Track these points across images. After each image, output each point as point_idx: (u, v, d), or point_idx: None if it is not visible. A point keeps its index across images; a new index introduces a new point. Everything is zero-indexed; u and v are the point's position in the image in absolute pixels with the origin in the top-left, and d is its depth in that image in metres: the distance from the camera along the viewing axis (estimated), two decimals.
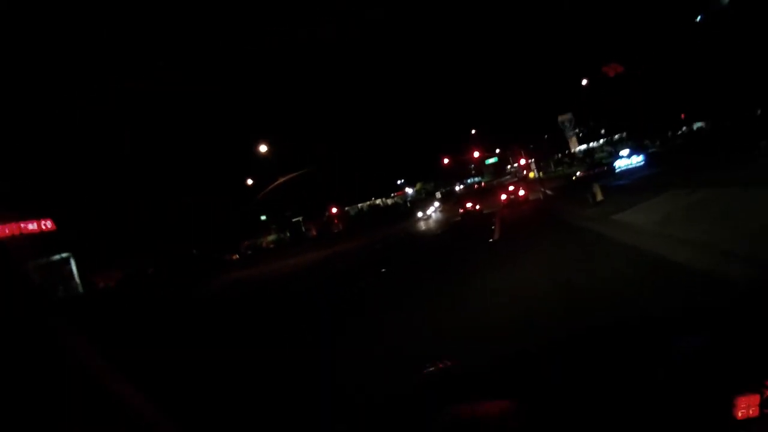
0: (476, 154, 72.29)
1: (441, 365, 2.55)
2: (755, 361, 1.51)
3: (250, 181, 70.92)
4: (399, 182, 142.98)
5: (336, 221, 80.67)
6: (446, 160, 73.76)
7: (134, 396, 1.42)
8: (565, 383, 1.81)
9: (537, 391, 1.82)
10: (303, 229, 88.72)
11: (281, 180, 49.62)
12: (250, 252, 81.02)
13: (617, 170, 38.06)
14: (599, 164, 51.25)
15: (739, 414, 1.35)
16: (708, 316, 2.15)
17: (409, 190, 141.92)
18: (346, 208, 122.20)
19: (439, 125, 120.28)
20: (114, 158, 47.85)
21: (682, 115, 57.70)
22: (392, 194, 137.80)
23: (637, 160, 38.42)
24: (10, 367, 1.27)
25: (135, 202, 55.64)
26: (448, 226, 43.19)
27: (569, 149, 79.52)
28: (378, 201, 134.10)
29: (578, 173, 53.83)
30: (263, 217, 75.54)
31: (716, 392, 1.42)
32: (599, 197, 21.08)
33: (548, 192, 44.53)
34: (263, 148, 48.96)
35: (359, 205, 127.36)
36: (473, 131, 74.33)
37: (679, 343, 1.85)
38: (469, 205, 45.66)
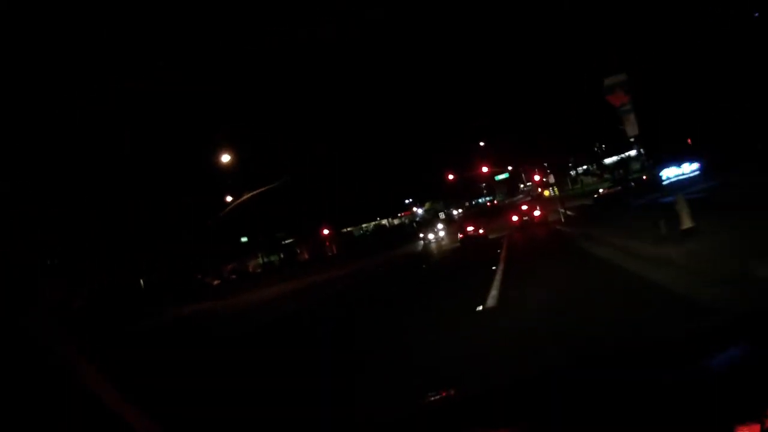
0: (485, 170, 62.65)
1: (444, 393, 2.51)
2: (755, 389, 1.46)
3: (229, 198, 61.68)
4: (407, 201, 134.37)
5: (327, 244, 71.09)
6: (451, 176, 64.19)
7: (119, 402, 1.33)
8: (565, 414, 1.72)
9: (542, 421, 1.73)
10: (297, 251, 79.34)
11: (247, 196, 40.37)
12: (234, 276, 72.79)
13: (665, 182, 28.01)
14: (632, 178, 41.71)
15: None
16: (704, 343, 2.04)
17: (419, 210, 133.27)
18: (349, 229, 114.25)
19: (447, 139, 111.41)
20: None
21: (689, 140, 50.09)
22: (399, 214, 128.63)
23: (691, 168, 28.31)
24: None
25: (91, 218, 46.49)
26: (439, 257, 33.71)
27: (596, 163, 69.20)
28: (384, 221, 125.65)
29: (601, 190, 45.27)
30: (244, 239, 66.07)
31: (716, 421, 1.38)
32: (687, 223, 10.92)
33: (568, 213, 34.94)
34: (226, 158, 39.52)
35: (363, 225, 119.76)
36: (481, 143, 64.67)
37: (678, 371, 1.78)
38: (470, 229, 36.23)
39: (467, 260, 26.66)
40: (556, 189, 77.30)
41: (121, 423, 1.33)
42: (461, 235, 36.20)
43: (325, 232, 67.07)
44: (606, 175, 56.61)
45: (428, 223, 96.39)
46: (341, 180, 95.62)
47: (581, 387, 1.89)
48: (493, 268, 18.54)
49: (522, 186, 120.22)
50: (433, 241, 58.62)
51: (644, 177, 40.35)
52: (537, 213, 37.59)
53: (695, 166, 28.94)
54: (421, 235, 63.03)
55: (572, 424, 1.63)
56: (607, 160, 72.07)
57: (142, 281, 49.32)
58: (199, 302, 35.48)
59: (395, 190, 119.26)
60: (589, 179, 74.46)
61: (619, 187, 42.01)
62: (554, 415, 1.72)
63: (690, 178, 27.69)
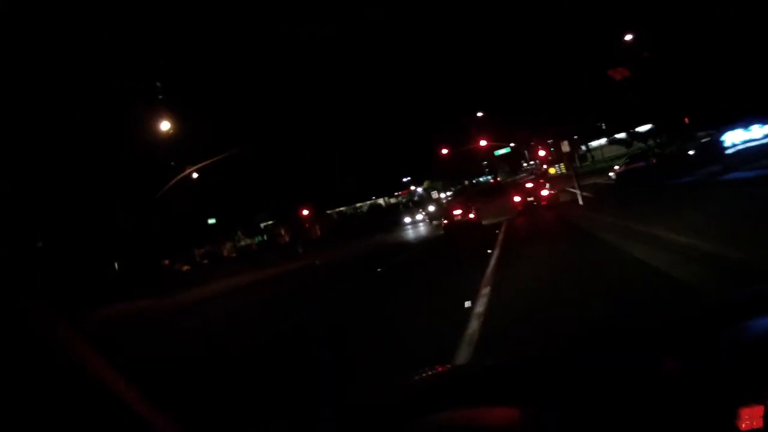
0: (483, 143, 54.18)
1: (440, 368, 2.40)
2: (759, 370, 1.44)
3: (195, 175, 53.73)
4: (405, 180, 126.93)
5: (307, 225, 63.20)
6: (445, 151, 55.63)
7: (128, 391, 1.24)
8: (560, 396, 1.66)
9: (544, 398, 1.66)
10: (277, 234, 71.50)
11: (190, 170, 32.46)
12: (206, 261, 65.31)
13: (730, 150, 19.55)
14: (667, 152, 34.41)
15: (743, 425, 1.27)
16: (707, 323, 1.97)
17: (418, 189, 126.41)
18: (342, 209, 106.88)
19: (443, 111, 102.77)
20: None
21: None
22: (396, 193, 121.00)
23: (764, 132, 19.87)
24: None
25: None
26: (414, 250, 25.82)
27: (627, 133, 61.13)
28: (380, 200, 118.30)
29: (617, 167, 38.24)
30: (211, 221, 58.09)
31: (719, 403, 1.34)
32: None
33: (584, 194, 26.97)
34: (165, 126, 31.83)
35: (358, 204, 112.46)
36: (479, 114, 55.96)
37: (681, 352, 1.73)
38: (457, 212, 27.87)
39: (446, 257, 18.77)
40: (563, 166, 68.78)
41: (131, 415, 1.19)
42: (445, 222, 28.09)
43: (305, 212, 58.69)
44: (639, 144, 47.99)
45: (427, 202, 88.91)
46: (329, 157, 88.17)
47: (577, 369, 1.80)
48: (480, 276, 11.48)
49: (525, 164, 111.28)
50: (422, 222, 50.31)
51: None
52: (545, 193, 29.39)
53: None
54: (406, 219, 54.90)
55: (568, 406, 1.55)
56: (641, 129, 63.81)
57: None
58: (155, 295, 29.48)
59: (392, 168, 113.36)
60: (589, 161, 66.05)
61: (642, 163, 35.05)
62: (549, 398, 1.63)
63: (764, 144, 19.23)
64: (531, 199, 29.18)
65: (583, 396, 1.61)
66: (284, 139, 71.09)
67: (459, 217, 26.99)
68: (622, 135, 67.39)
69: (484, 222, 30.52)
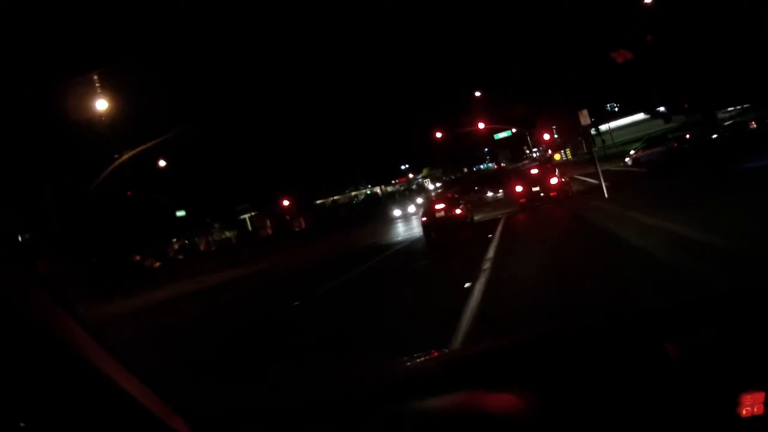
0: (482, 126, 47.68)
1: (435, 353, 2.36)
2: (760, 356, 1.45)
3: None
4: (403, 167, 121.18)
5: (288, 218, 57.09)
6: (439, 134, 49.22)
7: (128, 380, 1.19)
8: (559, 380, 1.64)
9: (547, 383, 1.63)
10: (259, 225, 65.31)
11: (128, 155, 26.40)
12: (181, 257, 59.42)
13: None
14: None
15: (744, 412, 1.29)
16: (709, 307, 1.97)
17: (419, 178, 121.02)
18: (336, 197, 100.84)
19: (442, 94, 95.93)
20: None
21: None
22: (393, 181, 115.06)
23: None
24: None
25: None
26: (387, 253, 19.90)
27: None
28: (377, 189, 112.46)
29: (633, 152, 34.93)
30: (180, 213, 51.72)
31: (720, 389, 1.36)
32: None
33: (605, 183, 20.59)
34: (103, 105, 26.17)
35: (353, 193, 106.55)
36: (477, 93, 49.13)
37: (680, 338, 1.69)
38: (439, 207, 21.06)
39: (404, 281, 12.19)
40: (569, 152, 61.92)
41: (131, 404, 1.15)
42: (424, 219, 21.40)
43: (285, 203, 52.39)
44: (670, 124, 42.30)
45: (421, 192, 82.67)
46: (322, 144, 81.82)
47: (577, 353, 1.76)
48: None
49: (527, 151, 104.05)
50: (414, 215, 43.83)
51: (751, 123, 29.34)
52: (554, 181, 22.78)
53: None
54: (395, 212, 48.15)
55: (567, 391, 1.54)
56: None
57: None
58: (112, 295, 24.28)
59: (390, 156, 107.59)
60: (614, 136, 59.46)
61: (661, 147, 31.41)
62: (548, 382, 1.61)
63: None
64: (537, 189, 22.61)
65: (582, 380, 1.57)
66: (269, 124, 64.82)
67: (441, 213, 20.47)
68: (638, 117, 60.91)
69: (478, 218, 24.05)
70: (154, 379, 1.23)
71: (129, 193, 48.15)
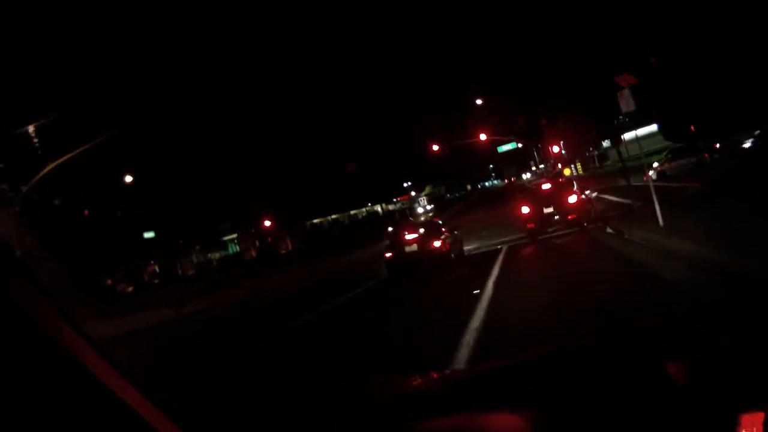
0: (483, 137, 41.73)
1: (434, 375, 2.33)
2: (760, 376, 1.42)
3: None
4: (405, 185, 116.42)
5: (269, 239, 51.35)
6: (435, 147, 43.20)
7: (126, 388, 1.17)
8: (563, 400, 1.62)
9: (548, 403, 1.61)
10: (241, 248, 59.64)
11: (51, 165, 20.79)
12: (157, 281, 53.83)
13: None
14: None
15: None
16: (709, 326, 1.96)
17: (422, 196, 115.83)
18: (334, 216, 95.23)
19: (441, 105, 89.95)
20: None
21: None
22: (395, 199, 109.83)
23: None
24: None
25: None
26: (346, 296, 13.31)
27: None
28: (377, 207, 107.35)
29: (656, 164, 29.96)
30: (149, 234, 45.88)
31: (720, 409, 1.32)
32: None
33: (637, 203, 14.58)
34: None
35: (352, 212, 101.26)
36: (478, 102, 43.10)
37: (680, 357, 1.70)
38: (411, 238, 14.79)
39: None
40: (579, 166, 56.09)
41: (128, 412, 1.13)
42: (389, 254, 14.92)
43: (267, 223, 46.53)
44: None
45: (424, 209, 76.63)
46: (314, 158, 76.14)
47: (576, 374, 1.74)
48: None
49: (534, 167, 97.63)
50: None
51: None
52: (572, 200, 16.54)
53: None
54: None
55: (568, 411, 1.53)
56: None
57: None
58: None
59: (391, 173, 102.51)
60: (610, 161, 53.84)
61: (690, 158, 28.60)
62: (547, 403, 1.59)
63: None
64: (549, 210, 16.37)
65: (583, 400, 1.56)
66: (256, 138, 59.16)
67: (413, 247, 14.10)
68: (650, 129, 55.09)
69: (470, 248, 17.90)
70: (157, 395, 1.18)
71: (86, 212, 42.65)
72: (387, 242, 15.39)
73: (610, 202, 23.17)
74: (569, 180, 21.75)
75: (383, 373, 3.70)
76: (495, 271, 11.95)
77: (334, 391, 2.63)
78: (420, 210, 64.10)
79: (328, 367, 6.62)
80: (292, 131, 68.52)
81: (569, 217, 16.48)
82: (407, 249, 14.34)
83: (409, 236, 14.78)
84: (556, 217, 16.57)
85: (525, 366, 1.97)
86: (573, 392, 1.60)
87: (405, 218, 58.08)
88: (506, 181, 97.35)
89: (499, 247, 17.00)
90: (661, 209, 11.65)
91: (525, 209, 16.99)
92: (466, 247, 18.00)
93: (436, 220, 19.47)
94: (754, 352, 1.53)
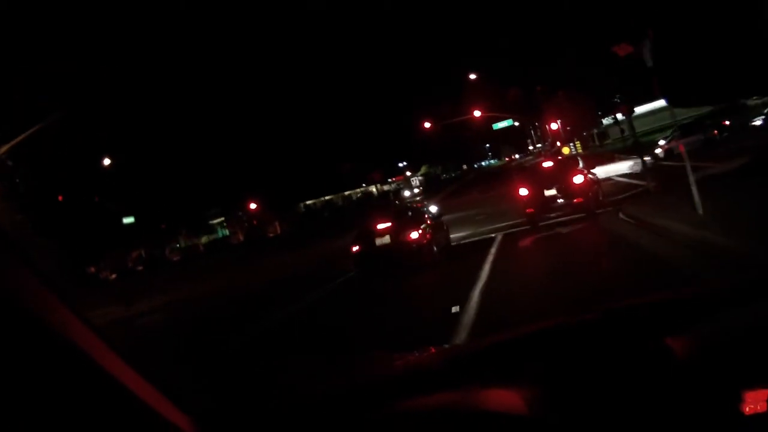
0: (477, 114, 38.97)
1: (432, 349, 2.21)
2: (764, 353, 1.39)
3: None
4: (400, 165, 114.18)
5: (255, 222, 49.16)
6: (427, 124, 40.44)
7: (133, 378, 1.15)
8: (559, 377, 1.60)
9: (548, 380, 1.57)
10: (227, 233, 57.22)
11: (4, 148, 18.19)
12: (141, 267, 51.91)
13: None
14: None
15: (747, 409, 1.25)
16: (712, 302, 1.86)
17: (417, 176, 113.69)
18: (328, 197, 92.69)
19: (435, 79, 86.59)
20: None
21: None
22: (390, 180, 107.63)
23: None
24: None
25: None
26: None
27: None
28: (372, 188, 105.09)
29: (662, 141, 29.31)
30: (128, 220, 43.20)
31: (724, 386, 1.32)
32: None
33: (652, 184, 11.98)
34: None
35: (346, 192, 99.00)
36: (472, 76, 40.14)
37: (682, 333, 1.62)
38: (383, 227, 12.12)
39: None
40: (578, 145, 53.63)
41: (136, 402, 1.12)
42: (356, 248, 12.10)
43: (253, 206, 44.04)
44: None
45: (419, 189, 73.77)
46: (304, 138, 73.35)
47: (578, 349, 1.69)
48: None
49: (531, 146, 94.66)
50: None
51: None
52: (578, 180, 13.83)
53: None
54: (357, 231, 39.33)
55: (569, 388, 1.50)
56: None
57: None
58: None
59: (386, 152, 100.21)
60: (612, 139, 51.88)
61: (698, 135, 26.93)
62: (549, 379, 1.57)
63: None
64: (552, 192, 13.70)
65: (584, 377, 1.53)
66: (243, 118, 56.38)
67: (384, 239, 11.24)
68: (655, 105, 52.41)
69: (459, 236, 15.30)
70: (159, 379, 1.17)
71: (60, 197, 39.98)
72: (356, 232, 12.64)
73: (619, 183, 20.57)
74: (573, 157, 19.03)
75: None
76: (484, 273, 9.34)
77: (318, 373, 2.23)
78: (407, 193, 56.63)
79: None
80: (283, 111, 65.70)
81: (575, 200, 13.81)
82: (378, 241, 11.60)
83: (381, 225, 11.91)
84: (560, 201, 13.91)
85: (522, 341, 1.89)
86: (574, 368, 1.56)
87: (388, 202, 54.33)
88: (506, 159, 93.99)
89: (492, 235, 14.36)
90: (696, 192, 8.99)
91: (523, 191, 14.30)
92: (455, 235, 15.38)
93: (418, 205, 16.54)
94: (759, 329, 1.51)
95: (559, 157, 19.04)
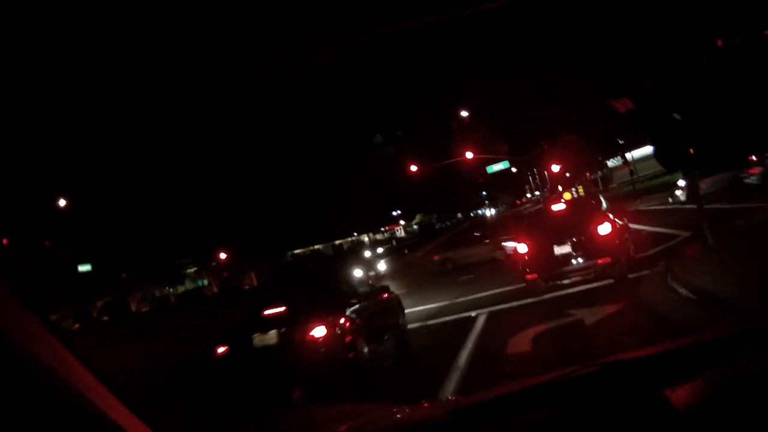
0: (469, 155, 34.59)
1: (425, 403, 2.18)
2: (762, 401, 1.39)
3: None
4: (395, 213, 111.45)
5: (225, 274, 44.78)
6: (414, 168, 35.99)
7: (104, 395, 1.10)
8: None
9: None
10: (204, 283, 52.63)
11: None
12: (105, 318, 47.63)
13: None
14: None
15: None
16: (708, 352, 1.80)
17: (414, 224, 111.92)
18: (317, 247, 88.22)
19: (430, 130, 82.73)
20: None
21: None
22: (382, 228, 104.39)
23: None
24: None
25: None
26: None
27: None
28: (365, 237, 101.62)
29: (682, 182, 23.28)
30: (85, 267, 38.52)
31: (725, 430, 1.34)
32: None
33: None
34: None
35: (337, 242, 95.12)
36: (464, 114, 35.74)
37: (680, 384, 1.61)
38: (270, 313, 7.01)
39: None
40: (581, 188, 49.17)
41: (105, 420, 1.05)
42: (221, 348, 6.58)
43: (222, 255, 39.43)
44: None
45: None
46: (291, 184, 69.27)
47: (576, 403, 1.67)
48: None
49: (529, 194, 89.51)
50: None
51: None
52: (605, 230, 8.96)
53: None
54: (358, 274, 31.70)
55: None
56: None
57: None
58: None
59: (380, 201, 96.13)
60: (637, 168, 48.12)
61: (728, 174, 22.09)
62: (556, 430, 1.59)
63: None
64: (565, 250, 8.82)
65: (584, 429, 1.54)
66: (224, 161, 52.35)
67: (268, 336, 5.61)
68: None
69: (424, 311, 10.31)
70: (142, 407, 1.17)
71: (5, 240, 35.40)
72: (230, 324, 7.46)
73: (642, 231, 15.75)
74: (594, 196, 13.95)
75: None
76: None
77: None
78: (367, 254, 38.22)
79: None
80: (266, 158, 61.64)
81: (599, 260, 8.89)
82: (257, 341, 6.54)
83: (268, 311, 6.89)
84: (578, 261, 9.00)
85: (523, 394, 1.82)
86: (573, 421, 1.54)
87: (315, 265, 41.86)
88: (518, 202, 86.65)
89: (473, 314, 9.35)
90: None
91: (522, 248, 9.42)
92: (423, 308, 10.47)
93: (322, 272, 10.51)
94: (757, 377, 1.49)
95: (583, 197, 14.38)
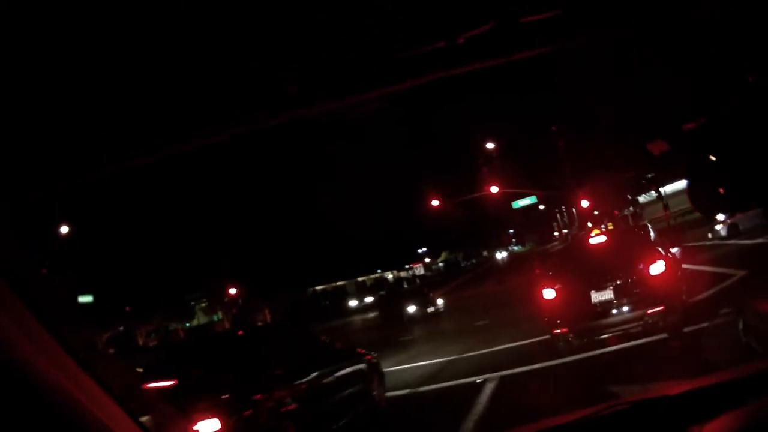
0: (494, 190, 32.61)
1: None
2: None
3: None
4: (420, 251, 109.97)
5: (235, 311, 43.22)
6: (435, 202, 34.13)
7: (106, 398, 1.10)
8: None
9: None
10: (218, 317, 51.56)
11: None
12: (112, 350, 45.49)
13: None
14: None
15: None
16: (734, 391, 1.76)
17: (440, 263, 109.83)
18: (341, 283, 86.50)
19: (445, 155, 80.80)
20: None
21: None
22: (407, 266, 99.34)
23: None
24: None
25: None
26: None
27: None
28: (389, 274, 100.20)
29: (722, 216, 22.02)
30: (86, 299, 37.17)
31: None
32: None
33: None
34: None
35: (360, 278, 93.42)
36: (489, 146, 33.88)
37: (706, 422, 1.59)
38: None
39: None
40: (610, 225, 46.73)
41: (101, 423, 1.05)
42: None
43: (232, 291, 38.06)
44: None
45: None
46: (311, 221, 67.83)
47: None
48: None
49: (557, 232, 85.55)
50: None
51: None
52: (657, 269, 6.68)
53: None
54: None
55: None
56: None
57: None
58: None
59: (404, 238, 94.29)
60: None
61: (761, 209, 16.35)
62: None
63: None
64: (606, 296, 6.57)
65: None
66: (240, 194, 51.07)
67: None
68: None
69: (425, 366, 8.16)
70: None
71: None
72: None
73: (686, 270, 13.36)
74: (642, 228, 11.18)
75: None
76: None
77: None
78: (353, 303, 35.33)
79: None
80: (286, 194, 60.50)
81: (650, 309, 6.58)
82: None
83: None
84: (621, 310, 6.69)
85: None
86: None
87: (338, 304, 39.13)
88: (556, 235, 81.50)
89: (479, 381, 7.05)
90: None
91: (549, 293, 7.17)
92: (417, 364, 8.26)
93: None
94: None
95: (629, 228, 12.19)
